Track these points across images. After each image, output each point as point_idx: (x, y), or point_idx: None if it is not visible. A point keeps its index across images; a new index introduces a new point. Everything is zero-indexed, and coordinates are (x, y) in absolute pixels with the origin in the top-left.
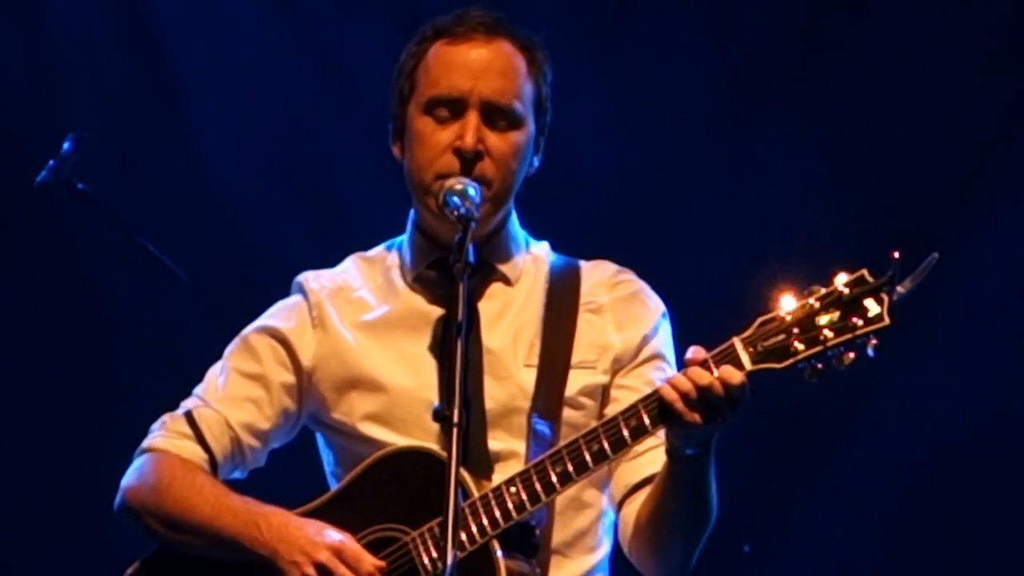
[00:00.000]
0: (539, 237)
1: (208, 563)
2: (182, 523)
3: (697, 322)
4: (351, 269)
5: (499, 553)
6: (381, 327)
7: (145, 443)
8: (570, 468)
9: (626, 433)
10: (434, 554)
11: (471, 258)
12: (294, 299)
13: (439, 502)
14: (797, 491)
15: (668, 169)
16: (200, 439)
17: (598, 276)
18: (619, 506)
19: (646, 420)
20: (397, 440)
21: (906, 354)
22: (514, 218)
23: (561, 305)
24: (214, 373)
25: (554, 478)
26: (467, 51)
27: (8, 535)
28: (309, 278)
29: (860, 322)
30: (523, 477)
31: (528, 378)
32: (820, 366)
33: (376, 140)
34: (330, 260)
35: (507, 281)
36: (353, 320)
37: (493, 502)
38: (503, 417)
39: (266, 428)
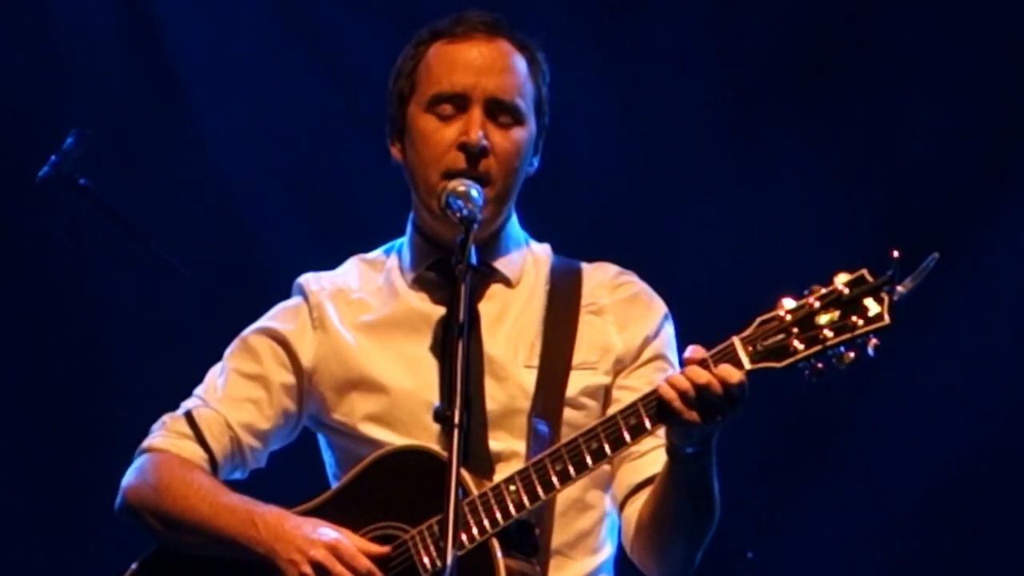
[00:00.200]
0: (540, 238)
1: (207, 562)
2: (181, 522)
3: (697, 321)
4: (351, 271)
5: (499, 552)
6: (381, 328)
7: (145, 443)
8: (569, 467)
9: (625, 432)
10: (434, 552)
11: (474, 259)
12: (294, 300)
13: (439, 501)
14: (800, 497)
15: (669, 169)
16: (200, 439)
17: (599, 277)
18: (621, 507)
19: (645, 419)
20: (398, 440)
21: (910, 357)
22: (514, 220)
23: (562, 306)
24: (214, 374)
25: (553, 477)
26: (469, 49)
27: (8, 535)
28: (309, 280)
29: (860, 321)
30: (522, 476)
31: (528, 379)
32: (820, 366)
33: (378, 141)
34: (331, 262)
35: (508, 283)
36: (353, 321)
37: (493, 501)
38: (504, 418)
39: (266, 428)
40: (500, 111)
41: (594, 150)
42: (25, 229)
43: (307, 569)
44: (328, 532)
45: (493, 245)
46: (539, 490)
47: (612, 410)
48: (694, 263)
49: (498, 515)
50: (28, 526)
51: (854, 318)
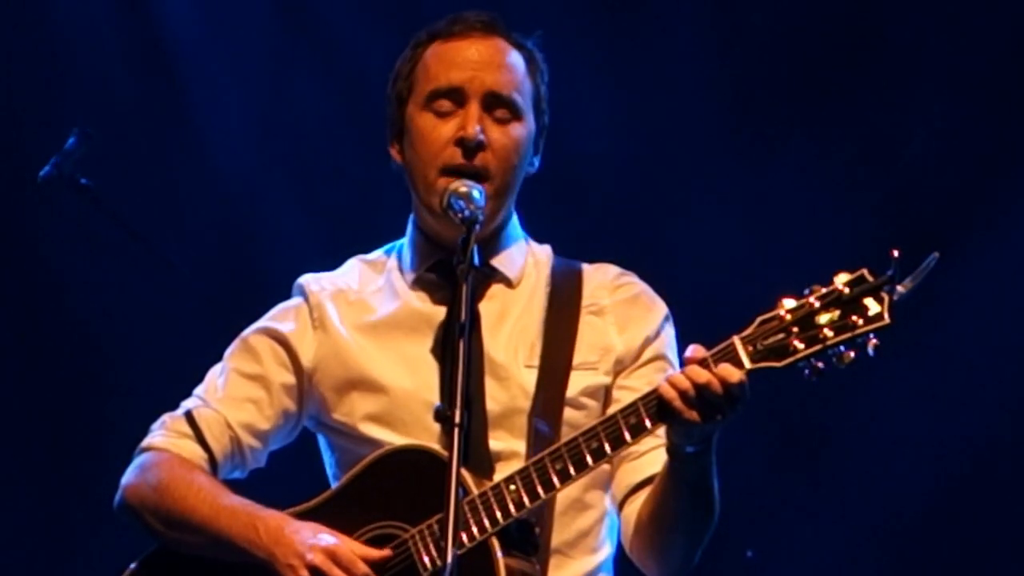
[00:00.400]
0: (540, 239)
1: (206, 563)
2: (180, 523)
3: (697, 321)
4: (352, 271)
5: (498, 551)
6: (382, 328)
7: (145, 442)
8: (570, 466)
9: (625, 431)
10: (434, 551)
11: (476, 260)
12: (295, 301)
13: (439, 500)
14: (800, 497)
15: (669, 169)
16: (200, 439)
17: (600, 278)
18: (620, 506)
19: (645, 418)
20: (398, 440)
21: (910, 357)
22: (515, 220)
23: (563, 307)
24: (214, 374)
25: (553, 476)
26: (466, 47)
27: (8, 534)
28: (310, 280)
29: (860, 321)
30: (522, 475)
31: (529, 379)
32: (820, 365)
33: (378, 142)
34: (331, 263)
35: (508, 283)
36: (354, 322)
37: (492, 500)
38: (504, 417)
39: (266, 428)
40: (497, 106)
41: (595, 150)
42: (26, 228)
43: (304, 573)
44: (326, 537)
45: (494, 245)
46: (539, 489)
47: (612, 410)
48: (694, 263)
49: (498, 514)
50: (28, 525)
51: (854, 318)
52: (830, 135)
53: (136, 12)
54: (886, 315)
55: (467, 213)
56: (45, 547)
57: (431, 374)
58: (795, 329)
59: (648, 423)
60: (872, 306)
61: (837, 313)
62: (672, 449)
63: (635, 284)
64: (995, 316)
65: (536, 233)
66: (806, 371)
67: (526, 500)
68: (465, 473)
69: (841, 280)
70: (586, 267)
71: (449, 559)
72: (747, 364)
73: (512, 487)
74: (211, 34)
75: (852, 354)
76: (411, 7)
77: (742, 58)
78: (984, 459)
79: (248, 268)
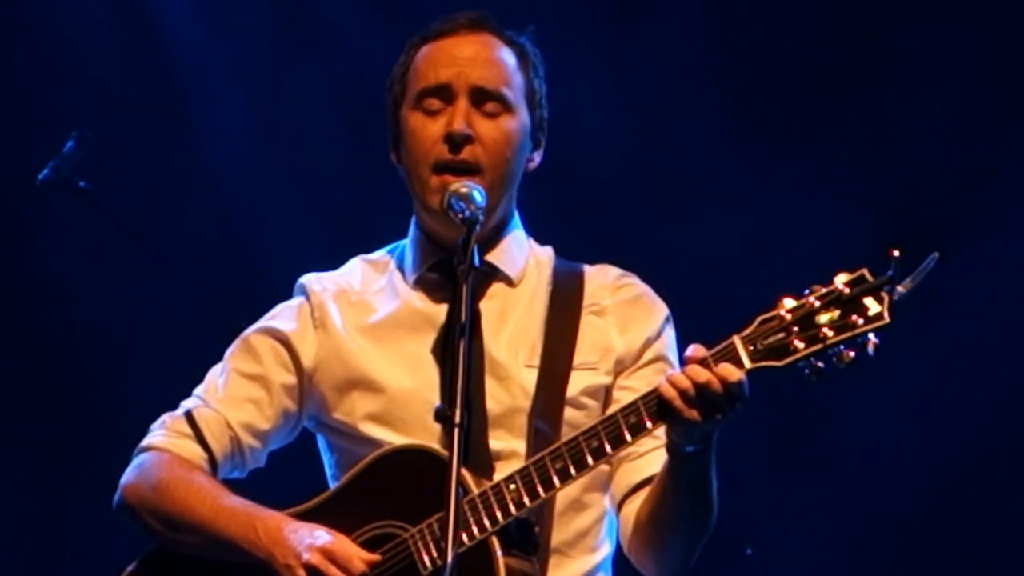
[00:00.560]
0: (541, 238)
1: (205, 563)
2: (180, 523)
3: (697, 321)
4: (354, 271)
5: (498, 550)
6: (383, 328)
7: (145, 441)
8: (570, 465)
9: (625, 430)
10: (433, 550)
11: (476, 261)
12: (296, 300)
13: (438, 499)
14: (800, 495)
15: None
16: (200, 439)
17: (601, 279)
18: (619, 506)
19: (645, 417)
20: (398, 440)
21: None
22: (517, 220)
23: (564, 307)
24: (215, 373)
25: (554, 475)
26: (453, 44)
27: (8, 534)
28: (311, 280)
29: (860, 321)
30: (523, 474)
31: (529, 378)
32: (821, 365)
33: (379, 142)
34: (331, 264)
35: (510, 282)
36: (355, 322)
37: (492, 499)
38: (504, 417)
39: (266, 428)
40: (485, 100)
41: (595, 151)
42: (25, 232)
43: (302, 573)
44: (324, 537)
45: (496, 245)
46: (539, 488)
47: (612, 410)
48: (694, 262)
49: (498, 513)
50: (28, 525)
51: (854, 317)
52: (830, 135)
53: (134, 14)
54: (886, 315)
55: (467, 214)
56: (45, 547)
57: (432, 373)
58: (795, 329)
59: (648, 422)
60: (872, 306)
61: (837, 313)
62: (672, 448)
63: (636, 285)
64: (994, 315)
65: (537, 234)
66: (806, 371)
67: (526, 499)
68: (465, 472)
69: (841, 280)
70: (587, 268)
71: (449, 559)
72: (747, 363)
73: (512, 486)
74: (210, 36)
75: (852, 354)
76: (411, 7)
77: (743, 58)
78: (983, 459)
79: (248, 269)
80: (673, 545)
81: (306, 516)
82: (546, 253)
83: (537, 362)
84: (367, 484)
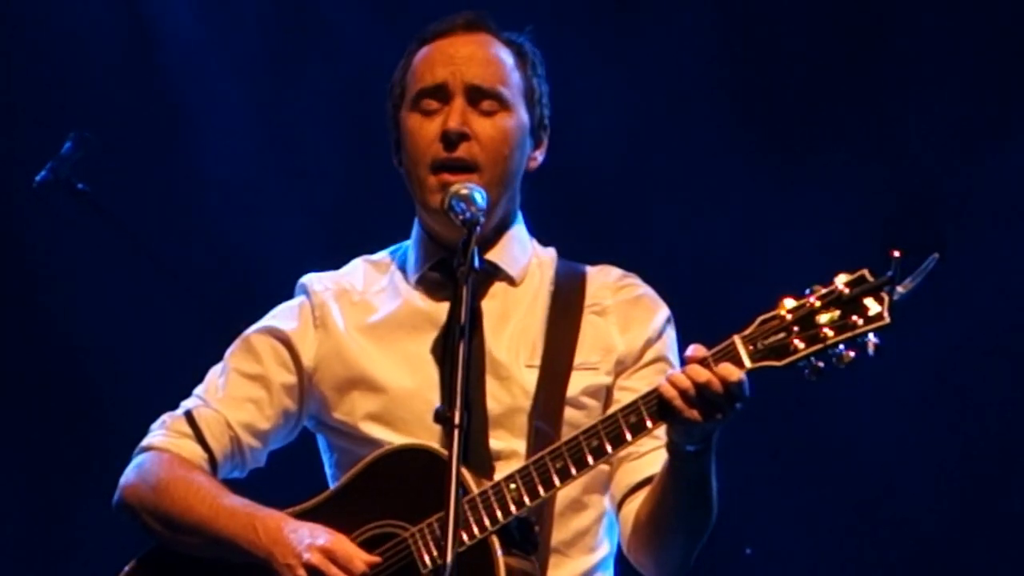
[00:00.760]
0: (541, 238)
1: (205, 562)
2: (179, 523)
3: (697, 321)
4: (356, 271)
5: (499, 549)
6: (384, 328)
7: (145, 441)
8: (570, 465)
9: (626, 430)
10: (434, 550)
11: (476, 262)
12: (297, 300)
13: (439, 499)
14: (799, 494)
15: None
16: (200, 439)
17: (603, 279)
18: (619, 506)
19: (646, 417)
20: (399, 440)
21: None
22: (520, 221)
23: (565, 307)
24: (215, 373)
25: (554, 474)
26: (449, 44)
27: (8, 534)
28: (313, 279)
29: (860, 321)
30: (523, 474)
31: (530, 378)
32: (821, 365)
33: (380, 143)
34: (332, 264)
35: (512, 282)
36: (356, 321)
37: (493, 498)
38: (505, 417)
39: (266, 428)
40: (482, 98)
41: (596, 151)
42: (22, 233)
43: (301, 573)
44: (324, 536)
45: (497, 243)
46: (539, 488)
47: (613, 410)
48: (695, 263)
49: (498, 513)
50: (28, 525)
51: (854, 317)
52: (831, 135)
53: (133, 15)
54: (886, 315)
55: (468, 215)
56: (45, 547)
57: (433, 373)
58: (795, 328)
59: (648, 422)
60: (872, 306)
61: (837, 313)
62: (672, 448)
63: (638, 286)
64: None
65: (538, 234)
66: (806, 371)
67: (526, 499)
68: (465, 472)
69: (841, 280)
70: (589, 268)
71: (449, 559)
72: (747, 363)
73: (512, 486)
74: (208, 37)
75: (852, 354)
76: (411, 7)
77: (744, 58)
78: (982, 458)
79: (247, 269)
80: (673, 545)
81: (306, 516)
82: (548, 254)
83: (538, 362)
84: (367, 483)
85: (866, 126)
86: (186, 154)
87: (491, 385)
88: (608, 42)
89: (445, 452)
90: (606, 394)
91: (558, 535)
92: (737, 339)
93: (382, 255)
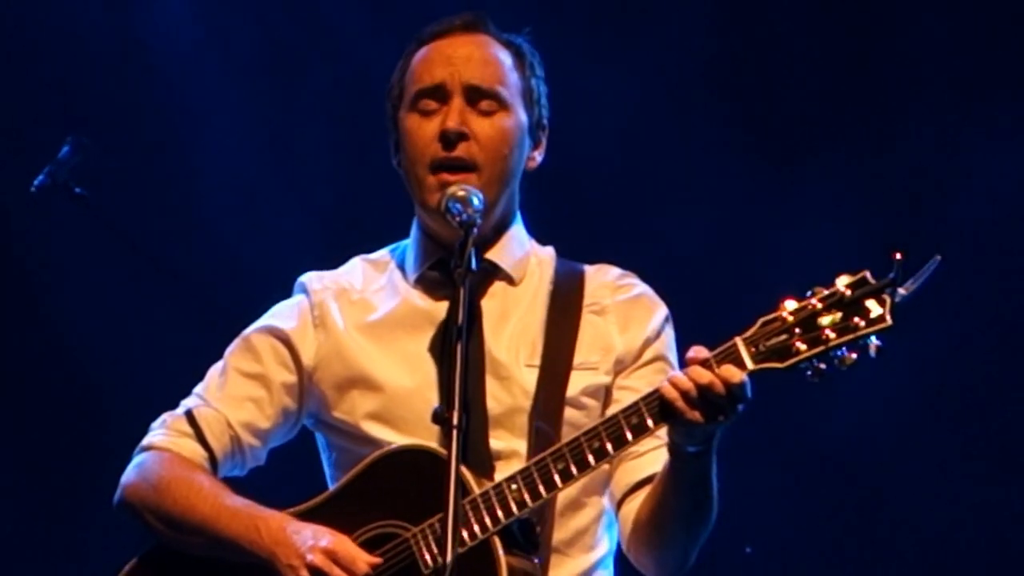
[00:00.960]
0: (541, 237)
1: (206, 562)
2: (181, 522)
3: (698, 322)
4: (355, 270)
5: (500, 549)
6: (383, 327)
7: (145, 441)
8: (572, 466)
9: (627, 431)
10: (435, 550)
11: (473, 264)
12: (296, 299)
13: (440, 499)
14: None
15: (669, 170)
16: (200, 438)
17: (602, 279)
18: (618, 505)
19: (647, 418)
20: (399, 439)
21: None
22: (519, 221)
23: (565, 306)
24: (215, 372)
25: (556, 475)
26: (448, 45)
27: (8, 534)
28: (312, 278)
29: (862, 323)
30: (524, 474)
31: (530, 378)
32: (822, 367)
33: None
34: (331, 264)
35: (511, 281)
36: (355, 320)
37: (494, 499)
38: (505, 417)
39: (266, 427)
40: (480, 98)
41: (596, 151)
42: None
43: (305, 573)
44: (327, 537)
45: (496, 242)
46: (541, 488)
47: (612, 410)
48: (693, 263)
49: (500, 513)
50: (28, 524)
51: (856, 319)
52: (832, 136)
53: (130, 19)
54: (888, 317)
55: (465, 217)
56: (45, 547)
57: (432, 372)
58: (797, 330)
59: (650, 423)
60: (874, 308)
61: (839, 315)
62: (673, 449)
63: (636, 285)
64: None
65: (536, 234)
66: (808, 372)
67: (528, 499)
68: (466, 472)
69: (843, 282)
70: (588, 268)
71: (448, 559)
72: (749, 365)
73: (514, 486)
74: (206, 40)
75: (854, 356)
76: (410, 8)
77: (744, 59)
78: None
79: (246, 270)
80: (673, 544)
81: (307, 516)
82: (547, 253)
83: (538, 362)
84: (368, 484)
85: (866, 126)
86: (184, 156)
87: (491, 385)
88: (607, 42)
89: (445, 452)
90: (605, 394)
91: (558, 534)
92: (739, 340)
93: (380, 254)
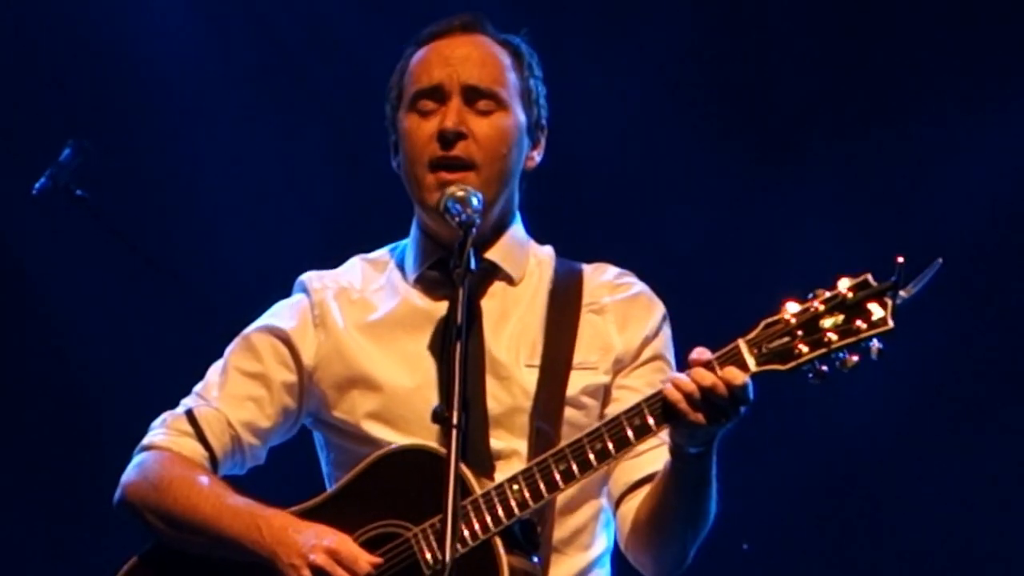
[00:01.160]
0: (540, 237)
1: (206, 561)
2: (182, 522)
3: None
4: (354, 270)
5: (501, 549)
6: (383, 326)
7: (146, 440)
8: (573, 466)
9: (630, 432)
10: (436, 549)
11: (472, 264)
12: (296, 298)
13: (441, 499)
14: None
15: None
16: (200, 437)
17: (600, 278)
18: (617, 503)
19: (650, 420)
20: (399, 439)
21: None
22: (519, 221)
23: (564, 306)
24: (215, 372)
25: (557, 476)
26: (446, 46)
27: (8, 534)
28: (312, 277)
29: (864, 325)
30: (526, 475)
31: (530, 378)
32: (825, 369)
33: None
34: (331, 264)
35: (511, 281)
36: (355, 320)
37: (496, 499)
38: (505, 417)
39: (266, 427)
40: (478, 98)
41: (596, 151)
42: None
43: (307, 573)
44: (329, 536)
45: (495, 242)
46: (542, 489)
47: (611, 409)
48: (692, 263)
49: (501, 513)
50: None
51: (858, 322)
52: (832, 137)
53: (131, 22)
54: (889, 320)
55: (464, 217)
56: (45, 547)
57: (432, 371)
58: (799, 333)
59: (653, 424)
60: (876, 310)
61: (841, 317)
62: (674, 449)
63: (635, 284)
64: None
65: (536, 234)
66: (810, 375)
67: (529, 499)
68: (467, 472)
69: (844, 284)
70: (586, 267)
71: (448, 558)
72: (752, 367)
73: (515, 487)
74: (207, 42)
75: (856, 358)
76: (410, 8)
77: (744, 59)
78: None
79: (245, 271)
80: (671, 544)
81: (307, 515)
82: (546, 252)
83: (538, 362)
84: (369, 483)
85: (866, 125)
86: (184, 158)
87: (491, 385)
88: (606, 42)
89: (446, 452)
90: (604, 393)
91: (556, 533)
92: (741, 342)
93: (379, 253)
